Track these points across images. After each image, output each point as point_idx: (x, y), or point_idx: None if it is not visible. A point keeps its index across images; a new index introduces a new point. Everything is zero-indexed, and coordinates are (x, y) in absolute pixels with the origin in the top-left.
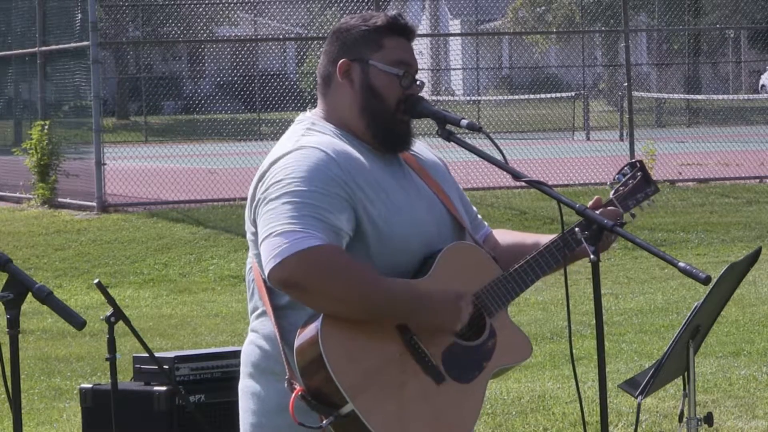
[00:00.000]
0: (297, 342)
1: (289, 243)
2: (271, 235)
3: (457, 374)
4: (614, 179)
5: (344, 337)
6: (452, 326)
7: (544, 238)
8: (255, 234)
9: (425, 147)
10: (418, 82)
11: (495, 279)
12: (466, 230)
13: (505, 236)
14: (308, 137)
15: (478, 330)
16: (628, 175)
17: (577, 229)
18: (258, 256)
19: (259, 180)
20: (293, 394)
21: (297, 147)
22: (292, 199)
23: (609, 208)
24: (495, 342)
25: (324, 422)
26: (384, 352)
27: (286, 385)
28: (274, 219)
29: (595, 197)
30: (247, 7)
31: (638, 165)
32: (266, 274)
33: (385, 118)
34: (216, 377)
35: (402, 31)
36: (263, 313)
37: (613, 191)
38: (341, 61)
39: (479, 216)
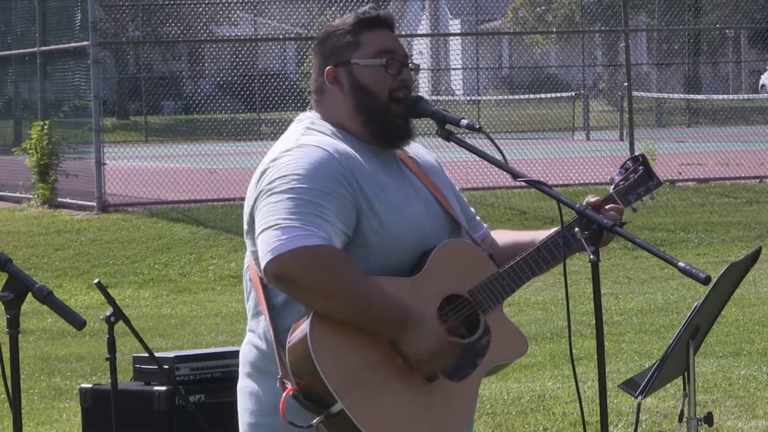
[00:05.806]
0: (288, 341)
1: (288, 238)
2: (270, 228)
3: (449, 372)
4: (617, 173)
5: (334, 336)
6: (431, 356)
7: (541, 235)
8: (252, 231)
9: (422, 148)
10: (410, 65)
11: (490, 276)
12: (462, 229)
13: (502, 236)
14: (308, 136)
15: (472, 327)
16: (630, 169)
17: (576, 229)
18: (255, 253)
19: (260, 176)
20: (284, 393)
21: (298, 145)
22: (294, 195)
23: (609, 205)
24: (489, 339)
25: (314, 421)
26: (374, 350)
27: (278, 384)
28: (275, 212)
29: (591, 196)
30: (247, 7)
31: (640, 159)
32: (262, 267)
33: (379, 113)
34: (216, 377)
35: (375, 23)
36: (259, 313)
37: (613, 186)
38: (327, 68)
39: (477, 217)
